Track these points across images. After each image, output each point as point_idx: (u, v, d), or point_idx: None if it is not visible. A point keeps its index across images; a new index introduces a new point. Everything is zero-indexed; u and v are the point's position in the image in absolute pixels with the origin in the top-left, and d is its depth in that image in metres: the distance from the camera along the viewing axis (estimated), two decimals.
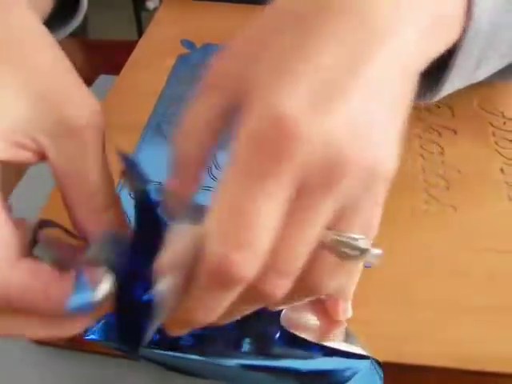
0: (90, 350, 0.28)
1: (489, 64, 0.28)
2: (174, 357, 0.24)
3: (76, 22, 0.39)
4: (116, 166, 0.24)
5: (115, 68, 0.45)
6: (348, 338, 0.25)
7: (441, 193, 0.33)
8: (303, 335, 0.24)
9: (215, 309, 0.19)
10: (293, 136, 0.17)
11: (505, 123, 0.39)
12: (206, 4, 0.50)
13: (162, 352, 0.24)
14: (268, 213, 0.17)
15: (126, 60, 0.44)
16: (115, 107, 0.39)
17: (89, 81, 0.47)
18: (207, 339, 0.24)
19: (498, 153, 0.36)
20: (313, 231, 0.19)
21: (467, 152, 0.36)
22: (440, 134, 0.38)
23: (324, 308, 0.26)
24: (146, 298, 0.20)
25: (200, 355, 0.24)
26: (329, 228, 0.19)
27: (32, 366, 0.29)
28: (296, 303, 0.22)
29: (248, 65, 0.20)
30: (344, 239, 0.20)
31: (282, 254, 0.18)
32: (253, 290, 0.19)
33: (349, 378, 0.23)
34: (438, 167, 0.35)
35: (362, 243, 0.20)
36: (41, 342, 0.29)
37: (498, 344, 0.26)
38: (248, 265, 0.17)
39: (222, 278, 0.18)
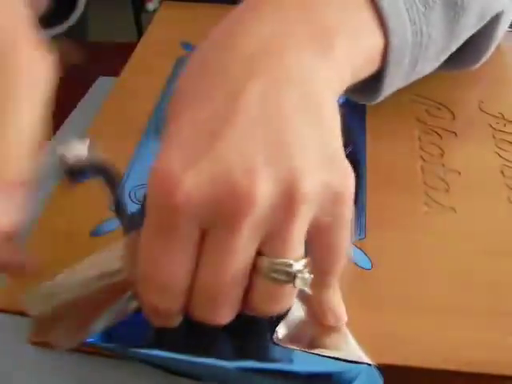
0: (90, 351, 0.28)
1: (427, 61, 0.29)
2: (173, 359, 0.24)
3: (72, 19, 0.41)
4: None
5: (115, 69, 0.45)
6: (348, 344, 0.24)
7: (441, 195, 0.33)
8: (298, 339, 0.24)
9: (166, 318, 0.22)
10: (170, 188, 0.19)
11: (505, 125, 0.39)
12: (204, 6, 0.50)
13: (160, 353, 0.24)
14: (176, 260, 0.20)
15: (125, 61, 0.44)
16: (115, 110, 0.39)
17: (89, 82, 0.47)
18: (205, 340, 0.24)
19: (498, 155, 0.36)
20: (231, 265, 0.20)
21: (467, 154, 0.36)
22: (440, 136, 0.37)
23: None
24: None
25: (198, 356, 0.24)
26: (262, 254, 0.20)
27: (32, 368, 0.29)
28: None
29: None
30: (273, 265, 0.20)
31: (208, 288, 0.20)
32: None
33: (349, 382, 0.23)
34: (438, 169, 0.35)
35: (295, 268, 0.20)
36: (40, 344, 0.29)
37: (499, 347, 0.26)
38: (171, 304, 0.21)
39: (159, 318, 0.22)
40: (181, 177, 0.19)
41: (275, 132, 0.19)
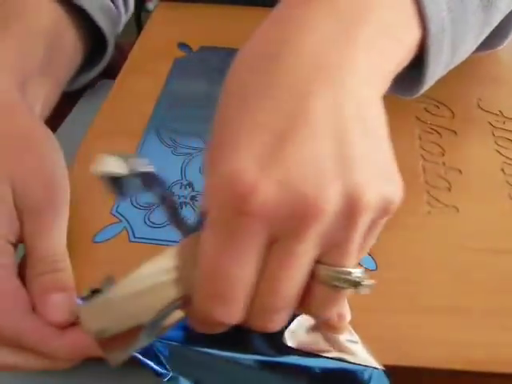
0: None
1: (464, 48, 0.29)
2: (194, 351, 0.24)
3: (103, 64, 0.43)
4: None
5: (116, 69, 0.44)
6: (356, 347, 0.24)
7: (443, 194, 0.33)
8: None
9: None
10: (246, 194, 0.18)
11: (504, 123, 0.39)
12: (200, 6, 0.50)
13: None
14: (244, 269, 0.19)
15: (121, 60, 0.43)
16: (114, 112, 0.38)
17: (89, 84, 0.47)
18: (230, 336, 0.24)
19: (499, 153, 0.36)
20: (295, 272, 0.20)
21: (468, 152, 0.36)
22: (440, 135, 0.38)
23: None
24: None
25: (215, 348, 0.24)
26: (321, 262, 0.20)
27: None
28: None
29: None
30: (334, 273, 0.20)
31: (270, 297, 0.20)
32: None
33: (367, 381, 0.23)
34: (439, 168, 0.35)
35: (354, 276, 0.20)
36: None
37: (504, 345, 0.26)
38: (231, 316, 0.20)
39: (209, 326, 0.21)
40: (256, 182, 0.18)
41: (341, 143, 0.19)
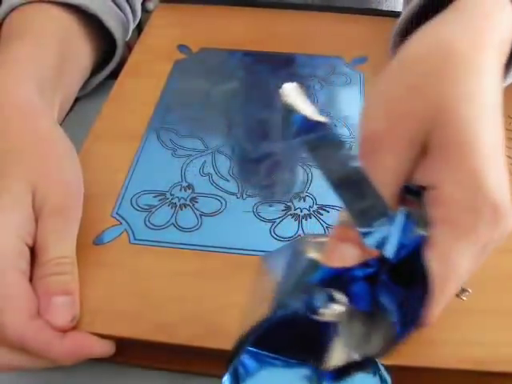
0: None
1: None
2: None
3: (111, 67, 0.45)
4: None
5: (115, 70, 0.45)
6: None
7: None
8: None
9: None
10: (502, 219, 0.21)
11: (510, 124, 0.39)
12: (200, 8, 0.50)
13: None
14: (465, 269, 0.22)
15: (126, 60, 0.44)
16: (114, 114, 0.38)
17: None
18: None
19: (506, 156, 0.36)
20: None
21: None
22: None
23: None
24: None
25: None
26: None
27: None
28: None
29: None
30: None
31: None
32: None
33: None
34: None
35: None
36: None
37: (503, 345, 0.26)
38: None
39: None
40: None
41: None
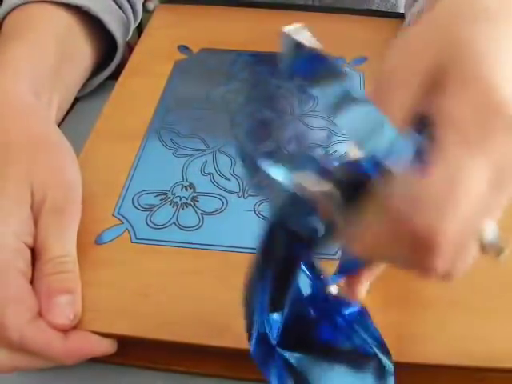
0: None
1: None
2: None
3: (111, 68, 0.45)
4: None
5: (115, 70, 0.45)
6: None
7: None
8: None
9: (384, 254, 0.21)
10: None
11: None
12: (200, 8, 0.50)
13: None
14: (475, 187, 0.19)
15: (127, 60, 0.44)
16: (115, 115, 0.38)
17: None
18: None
19: None
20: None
21: None
22: None
23: None
24: None
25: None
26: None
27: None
28: None
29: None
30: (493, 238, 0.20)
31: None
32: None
33: None
34: None
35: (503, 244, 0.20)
36: None
37: (501, 341, 0.26)
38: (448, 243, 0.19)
39: (419, 246, 0.19)
40: None
41: None
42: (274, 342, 0.22)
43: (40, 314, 0.26)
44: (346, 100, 0.19)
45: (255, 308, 0.22)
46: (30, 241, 0.28)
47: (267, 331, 0.22)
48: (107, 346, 0.27)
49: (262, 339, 0.22)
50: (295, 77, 0.20)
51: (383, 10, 0.53)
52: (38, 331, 0.25)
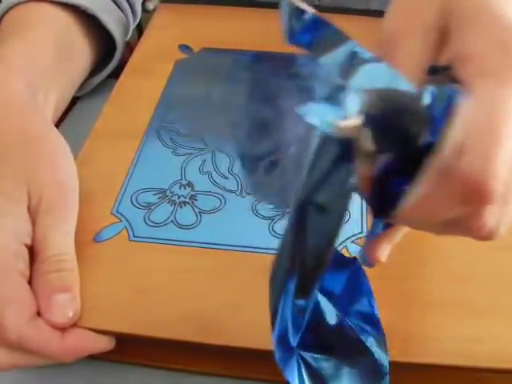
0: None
1: None
2: None
3: (110, 68, 0.45)
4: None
5: (116, 69, 0.45)
6: None
7: None
8: None
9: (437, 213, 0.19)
10: None
11: None
12: (201, 8, 0.50)
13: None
14: None
15: (127, 60, 0.44)
16: (115, 114, 0.39)
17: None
18: None
19: None
20: None
21: None
22: None
23: None
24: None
25: None
26: None
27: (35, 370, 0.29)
28: None
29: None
30: None
31: None
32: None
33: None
34: None
35: None
36: None
37: (505, 342, 0.26)
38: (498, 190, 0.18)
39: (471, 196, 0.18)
40: None
41: None
42: (294, 343, 0.22)
43: (38, 313, 0.26)
44: (356, 61, 0.18)
45: (280, 296, 0.21)
46: (28, 240, 0.28)
47: (289, 329, 0.21)
48: (104, 344, 0.27)
49: (283, 338, 0.22)
50: (299, 45, 0.20)
51: (383, 9, 0.52)
52: (36, 331, 0.25)
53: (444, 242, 0.30)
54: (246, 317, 0.27)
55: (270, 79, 0.42)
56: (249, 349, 0.26)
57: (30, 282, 0.27)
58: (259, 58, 0.44)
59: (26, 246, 0.28)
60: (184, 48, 0.45)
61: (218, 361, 0.28)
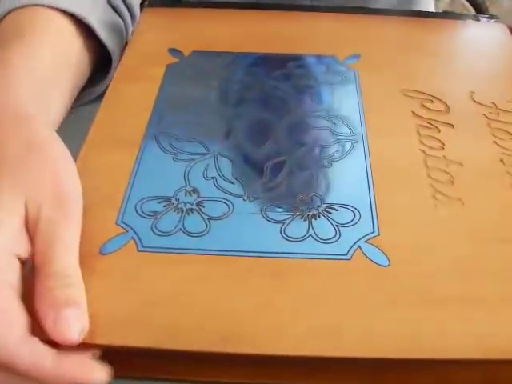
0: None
1: None
2: None
3: (108, 79, 0.44)
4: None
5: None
6: None
7: (447, 187, 0.34)
8: None
9: None
10: None
11: (498, 114, 0.39)
12: (188, 11, 0.49)
13: None
14: None
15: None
16: (109, 122, 0.37)
17: None
18: None
19: (496, 144, 0.37)
20: None
21: (467, 145, 0.37)
22: (438, 129, 0.38)
23: None
24: None
25: None
26: None
27: None
28: None
29: None
30: None
31: None
32: None
33: None
34: (440, 162, 0.35)
35: None
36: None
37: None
38: None
39: None
40: None
41: None
42: None
43: (34, 332, 0.25)
44: None
45: None
46: (22, 254, 0.27)
47: None
48: (101, 377, 0.25)
49: None
50: None
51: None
52: (28, 352, 0.24)
53: (452, 239, 0.31)
54: (267, 322, 0.26)
55: (266, 80, 0.41)
56: (274, 356, 0.25)
57: (28, 297, 0.26)
58: (251, 60, 0.43)
59: (20, 259, 0.26)
60: (174, 52, 0.44)
61: (238, 369, 0.27)
